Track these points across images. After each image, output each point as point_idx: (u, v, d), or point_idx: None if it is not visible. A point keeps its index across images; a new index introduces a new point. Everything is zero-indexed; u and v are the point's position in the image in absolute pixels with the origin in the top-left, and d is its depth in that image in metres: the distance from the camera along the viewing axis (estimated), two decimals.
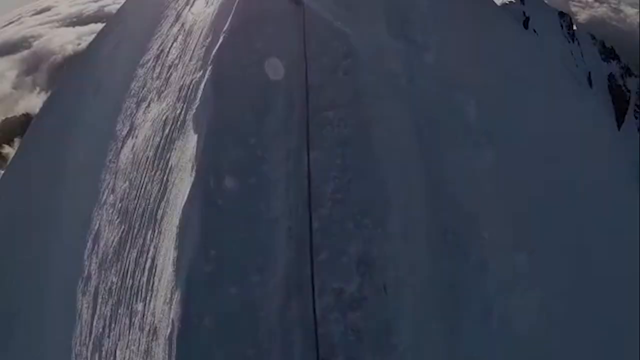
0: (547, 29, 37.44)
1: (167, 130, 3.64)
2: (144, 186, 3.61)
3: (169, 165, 3.40)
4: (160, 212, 3.19)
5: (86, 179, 5.71)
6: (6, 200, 7.72)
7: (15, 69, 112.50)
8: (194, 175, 2.86)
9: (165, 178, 3.36)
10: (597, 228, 5.25)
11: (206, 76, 3.20)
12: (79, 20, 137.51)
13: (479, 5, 8.32)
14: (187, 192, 2.83)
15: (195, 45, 4.05)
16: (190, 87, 3.53)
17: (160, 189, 3.32)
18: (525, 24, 32.26)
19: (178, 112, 3.61)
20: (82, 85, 8.58)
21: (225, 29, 3.26)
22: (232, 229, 2.82)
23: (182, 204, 2.81)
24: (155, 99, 4.43)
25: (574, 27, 45.15)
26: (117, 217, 3.90)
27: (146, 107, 4.59)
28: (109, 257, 3.77)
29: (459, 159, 3.76)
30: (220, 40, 3.01)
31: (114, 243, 3.73)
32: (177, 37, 5.17)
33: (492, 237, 3.51)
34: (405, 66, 3.94)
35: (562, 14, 45.14)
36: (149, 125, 4.12)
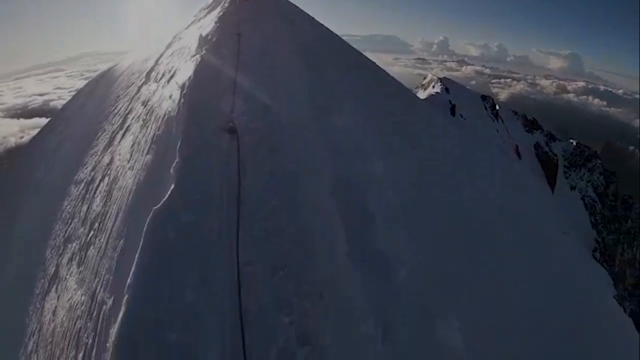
0: (472, 112, 41.16)
1: (78, 325, 3.31)
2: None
3: None
4: None
5: (16, 289, 5.45)
6: None
7: None
8: None
9: None
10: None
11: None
12: (24, 112, 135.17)
13: (410, 111, 8.88)
14: None
15: (110, 233, 3.70)
16: (106, 287, 3.14)
17: None
18: (452, 111, 35.33)
19: (88, 312, 3.22)
20: (22, 184, 8.57)
21: (133, 271, 2.50)
22: None
23: None
24: (76, 258, 4.25)
25: (497, 107, 49.90)
26: None
27: (69, 259, 4.42)
28: None
29: None
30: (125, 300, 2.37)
31: None
32: (104, 177, 5.05)
33: None
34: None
35: (484, 97, 49.69)
36: (66, 300, 3.87)
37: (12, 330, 4.95)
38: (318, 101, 5.08)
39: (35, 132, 13.80)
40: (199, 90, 4.37)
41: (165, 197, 2.89)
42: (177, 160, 3.28)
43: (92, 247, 3.99)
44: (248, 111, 4.16)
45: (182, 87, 4.50)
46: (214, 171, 3.30)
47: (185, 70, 5.10)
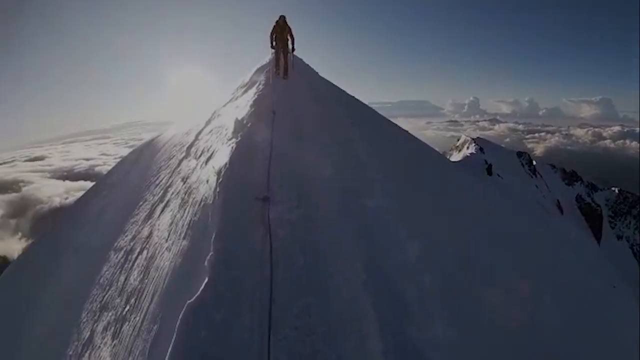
0: (509, 170, 40.54)
1: None
2: None
3: None
4: None
5: (53, 340, 5.49)
6: None
7: (1, 208, 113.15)
8: None
9: None
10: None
11: None
12: (70, 174, 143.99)
13: (446, 179, 8.99)
14: None
15: (146, 314, 3.87)
16: None
17: None
18: (489, 171, 34.91)
19: None
20: (63, 244, 8.81)
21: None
22: None
23: None
24: (111, 328, 4.41)
25: (534, 162, 49.00)
26: None
27: (104, 328, 4.55)
28: None
29: None
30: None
31: None
32: (143, 250, 5.30)
33: None
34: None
35: (520, 154, 49.05)
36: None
37: None
38: (349, 184, 5.17)
39: (79, 194, 14.47)
40: (235, 180, 4.56)
41: (199, 292, 2.94)
42: (211, 253, 3.35)
43: (127, 323, 4.14)
44: (282, 201, 4.28)
45: (219, 174, 4.72)
46: (247, 266, 3.35)
47: (222, 156, 5.37)
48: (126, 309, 4.40)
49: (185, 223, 4.66)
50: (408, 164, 7.82)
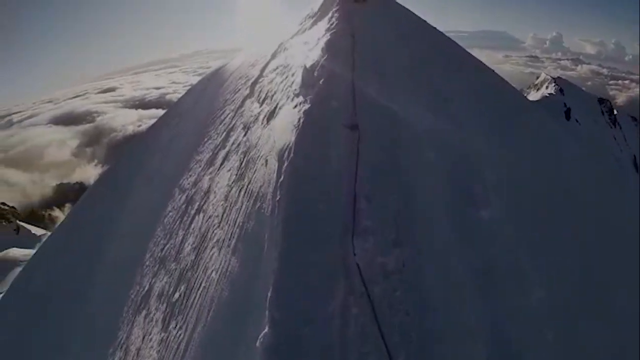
0: (588, 117, 37.11)
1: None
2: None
3: None
4: None
5: (121, 273, 5.96)
6: (49, 260, 8.61)
7: (77, 139, 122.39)
8: None
9: None
10: None
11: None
12: (141, 103, 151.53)
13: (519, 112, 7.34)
14: None
15: (193, 331, 3.21)
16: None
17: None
18: (567, 115, 32.17)
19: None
20: (136, 170, 9.16)
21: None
22: None
23: None
24: (161, 306, 4.22)
25: (615, 112, 44.63)
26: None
27: (158, 296, 4.43)
28: None
29: None
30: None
31: None
32: (200, 211, 4.90)
33: None
34: None
35: (601, 100, 44.71)
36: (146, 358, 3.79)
37: (106, 318, 5.43)
38: (458, 184, 3.80)
39: (152, 121, 14.88)
40: (302, 183, 3.23)
41: None
42: (265, 330, 2.26)
43: (172, 325, 3.67)
44: (373, 230, 2.91)
45: (280, 159, 3.51)
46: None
47: (286, 127, 4.05)
48: (175, 298, 3.94)
49: (238, 221, 3.65)
50: (515, 135, 5.70)
